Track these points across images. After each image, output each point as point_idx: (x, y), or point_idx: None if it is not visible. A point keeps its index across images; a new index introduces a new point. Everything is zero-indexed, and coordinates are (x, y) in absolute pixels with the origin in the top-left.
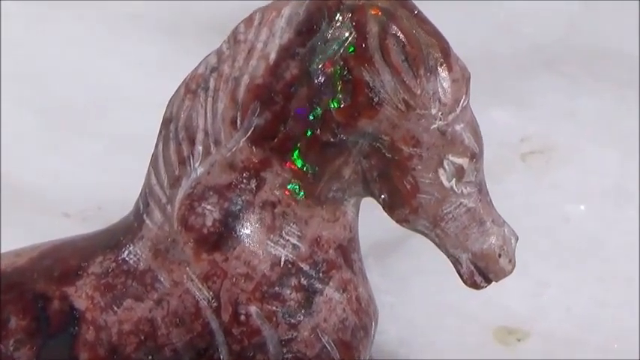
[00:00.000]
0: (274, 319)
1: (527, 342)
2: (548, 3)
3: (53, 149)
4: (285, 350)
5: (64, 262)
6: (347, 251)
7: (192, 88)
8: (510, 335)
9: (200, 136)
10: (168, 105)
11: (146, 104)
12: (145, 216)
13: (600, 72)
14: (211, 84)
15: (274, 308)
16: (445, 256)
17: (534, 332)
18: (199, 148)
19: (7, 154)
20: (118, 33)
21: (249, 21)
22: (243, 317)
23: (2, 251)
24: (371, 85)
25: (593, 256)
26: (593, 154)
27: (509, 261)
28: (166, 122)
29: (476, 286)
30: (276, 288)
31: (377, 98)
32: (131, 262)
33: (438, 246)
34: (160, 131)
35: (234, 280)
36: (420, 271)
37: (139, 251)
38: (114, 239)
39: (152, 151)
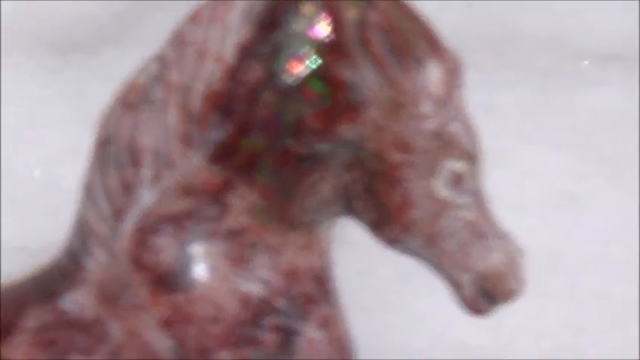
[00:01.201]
0: None
1: None
2: None
3: None
4: None
5: None
6: (324, 282)
7: (132, 102)
8: None
9: (147, 157)
10: (101, 125)
11: None
12: (83, 257)
13: (515, 60)
14: (156, 96)
15: (248, 353)
16: (376, 292)
17: None
18: (147, 171)
19: None
20: None
21: (195, 18)
22: None
23: None
24: (350, 83)
25: (555, 273)
26: (525, 155)
27: (517, 280)
28: (102, 145)
29: (480, 312)
30: (250, 330)
31: (358, 98)
32: (74, 311)
33: (434, 268)
34: (94, 156)
35: (200, 324)
36: (348, 307)
37: (81, 298)
38: (47, 287)
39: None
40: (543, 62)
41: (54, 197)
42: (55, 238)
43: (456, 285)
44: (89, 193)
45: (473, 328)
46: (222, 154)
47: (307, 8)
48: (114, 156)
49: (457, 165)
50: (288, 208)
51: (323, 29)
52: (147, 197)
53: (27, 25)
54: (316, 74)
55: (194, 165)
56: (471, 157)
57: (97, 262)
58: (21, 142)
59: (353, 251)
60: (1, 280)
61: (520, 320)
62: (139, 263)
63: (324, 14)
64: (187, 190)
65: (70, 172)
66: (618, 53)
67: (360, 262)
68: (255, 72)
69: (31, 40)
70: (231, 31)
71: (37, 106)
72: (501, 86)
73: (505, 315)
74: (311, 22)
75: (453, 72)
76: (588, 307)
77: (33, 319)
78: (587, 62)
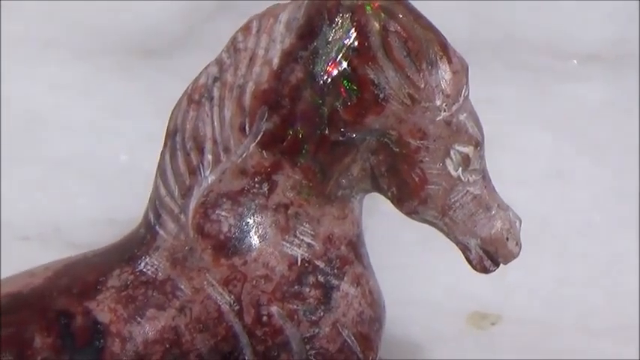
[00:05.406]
0: (296, 317)
1: (501, 325)
2: None
3: None
4: (308, 347)
5: (81, 278)
6: (356, 246)
7: (196, 98)
8: (484, 320)
9: (209, 144)
10: (170, 117)
11: (74, 126)
12: (157, 227)
13: (513, 60)
14: (215, 93)
15: (295, 307)
16: (401, 254)
17: (505, 316)
18: (209, 156)
19: None
20: (37, 58)
21: (246, 29)
22: (265, 318)
23: None
24: (376, 82)
25: (546, 237)
26: (522, 139)
27: (516, 243)
28: (171, 134)
29: (485, 270)
30: (296, 287)
31: (382, 95)
32: (149, 272)
33: (447, 234)
34: (165, 143)
35: (254, 282)
36: (377, 267)
37: (155, 262)
38: (127, 252)
39: (88, 170)
40: (538, 62)
41: (137, 177)
42: (137, 213)
43: (464, 248)
44: (162, 175)
45: (480, 282)
46: (271, 141)
47: (340, 21)
48: (181, 144)
49: (465, 149)
50: (325, 185)
51: (353, 37)
52: (208, 178)
53: (114, 32)
54: (347, 75)
55: (248, 150)
56: (476, 142)
57: (168, 232)
58: (110, 130)
59: (382, 219)
60: (90, 248)
61: (518, 275)
62: (202, 232)
63: (353, 25)
64: (242, 171)
65: (150, 156)
66: (599, 54)
67: (387, 228)
68: (296, 73)
69: (116, 46)
70: (276, 40)
71: (122, 101)
72: (502, 82)
73: (506, 271)
74: (343, 32)
75: (460, 72)
76: (573, 265)
77: (116, 279)
78: (575, 61)
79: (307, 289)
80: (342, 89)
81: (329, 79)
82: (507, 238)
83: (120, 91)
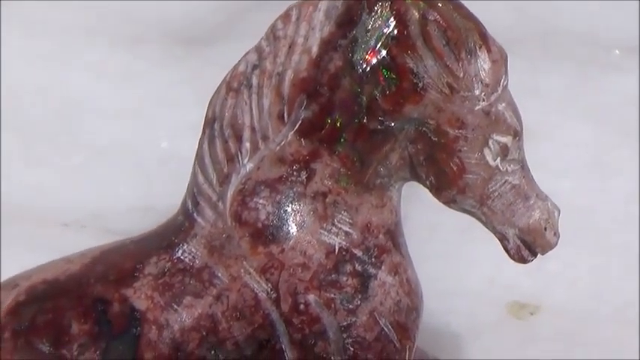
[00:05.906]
0: (333, 305)
1: (540, 316)
2: None
3: (37, 164)
4: (345, 336)
5: (118, 265)
6: (395, 235)
7: (235, 86)
8: (523, 310)
9: (247, 132)
10: (209, 105)
11: (116, 114)
12: (195, 215)
13: (557, 51)
14: (254, 81)
15: (332, 295)
16: (440, 243)
17: (545, 306)
18: (247, 144)
19: None
20: (80, 46)
21: (286, 17)
22: (302, 306)
23: (4, 267)
24: (415, 71)
25: (587, 228)
26: (564, 129)
27: (554, 234)
28: (210, 122)
29: (523, 260)
30: (333, 275)
31: (421, 83)
32: (186, 260)
33: (485, 224)
34: (204, 131)
35: (291, 270)
36: (415, 259)
37: (193, 249)
38: (165, 240)
39: (129, 157)
40: (581, 52)
41: (177, 165)
42: (175, 200)
43: (502, 238)
44: (200, 162)
45: (520, 273)
46: (310, 130)
47: (380, 10)
48: (219, 131)
49: (503, 139)
50: (364, 174)
51: (392, 26)
52: (247, 166)
53: (157, 21)
54: (386, 63)
55: (286, 138)
56: (515, 132)
57: (205, 220)
58: (151, 118)
59: (422, 208)
60: (128, 235)
61: (558, 266)
62: (240, 220)
63: (393, 14)
64: (280, 159)
65: (190, 143)
66: None
67: (427, 217)
68: (335, 62)
69: (160, 33)
70: (316, 28)
71: (164, 89)
72: (546, 72)
73: (546, 261)
74: (382, 20)
75: (499, 61)
76: (612, 256)
77: (153, 267)
78: (617, 52)
79: (344, 278)
80: (381, 78)
81: (368, 68)
82: (545, 228)
83: (162, 79)
